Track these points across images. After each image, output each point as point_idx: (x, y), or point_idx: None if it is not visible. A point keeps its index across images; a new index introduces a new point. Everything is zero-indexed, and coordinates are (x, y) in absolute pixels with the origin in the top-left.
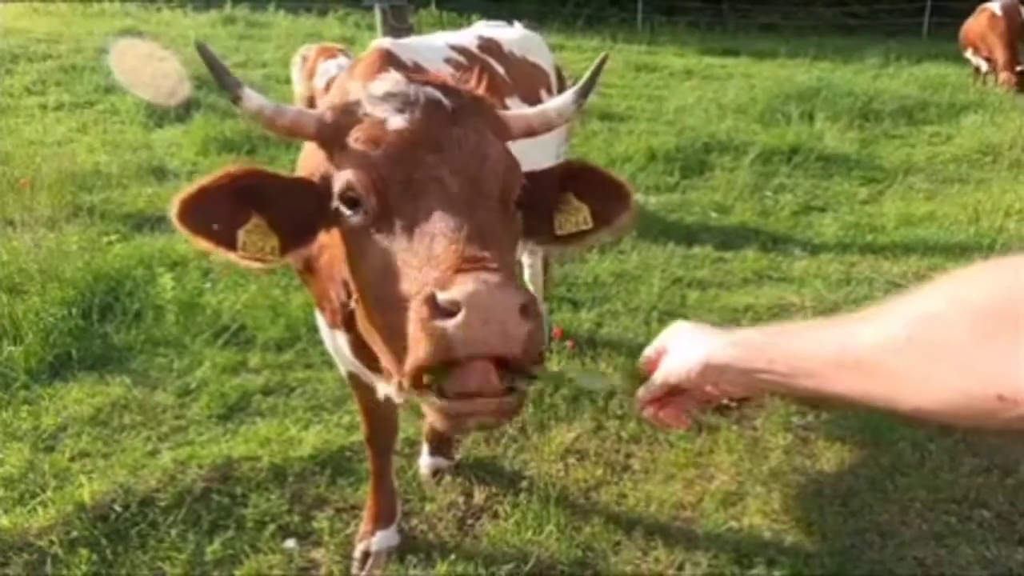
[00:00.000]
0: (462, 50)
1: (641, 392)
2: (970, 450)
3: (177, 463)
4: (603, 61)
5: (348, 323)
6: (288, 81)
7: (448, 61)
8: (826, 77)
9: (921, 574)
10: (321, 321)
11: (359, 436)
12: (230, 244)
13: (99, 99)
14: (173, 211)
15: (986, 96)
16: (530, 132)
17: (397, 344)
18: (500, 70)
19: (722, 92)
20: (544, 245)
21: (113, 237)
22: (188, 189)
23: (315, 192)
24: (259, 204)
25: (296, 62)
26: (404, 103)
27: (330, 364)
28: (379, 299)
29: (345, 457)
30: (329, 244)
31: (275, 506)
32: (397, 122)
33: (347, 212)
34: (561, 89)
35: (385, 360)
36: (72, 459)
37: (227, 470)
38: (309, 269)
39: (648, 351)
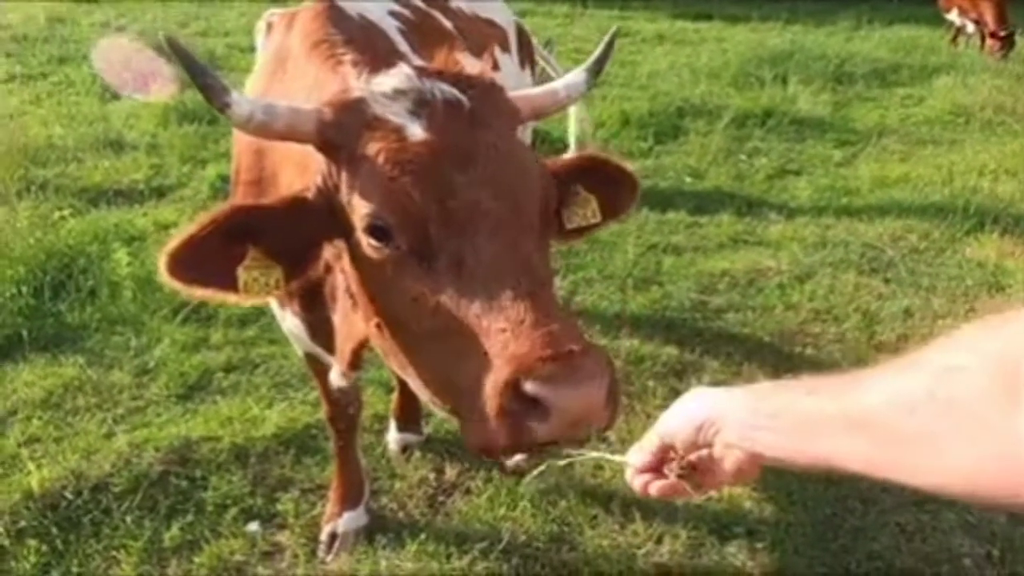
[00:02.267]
0: (407, 3)
1: (631, 457)
2: None
3: (133, 446)
4: (614, 36)
5: (304, 305)
6: (252, 50)
7: (393, 14)
8: (799, 40)
9: (903, 540)
10: (274, 304)
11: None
12: (231, 287)
13: (53, 70)
14: (162, 267)
15: (958, 58)
16: (538, 114)
17: (443, 388)
18: (447, 24)
19: (695, 56)
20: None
21: (67, 212)
22: (174, 241)
23: (314, 210)
24: (253, 236)
25: (260, 28)
26: (418, 104)
27: None
28: (420, 340)
29: (310, 435)
30: None
31: (237, 488)
32: (417, 132)
33: (374, 243)
34: (524, 49)
35: (418, 388)
36: (21, 445)
37: (186, 452)
38: None
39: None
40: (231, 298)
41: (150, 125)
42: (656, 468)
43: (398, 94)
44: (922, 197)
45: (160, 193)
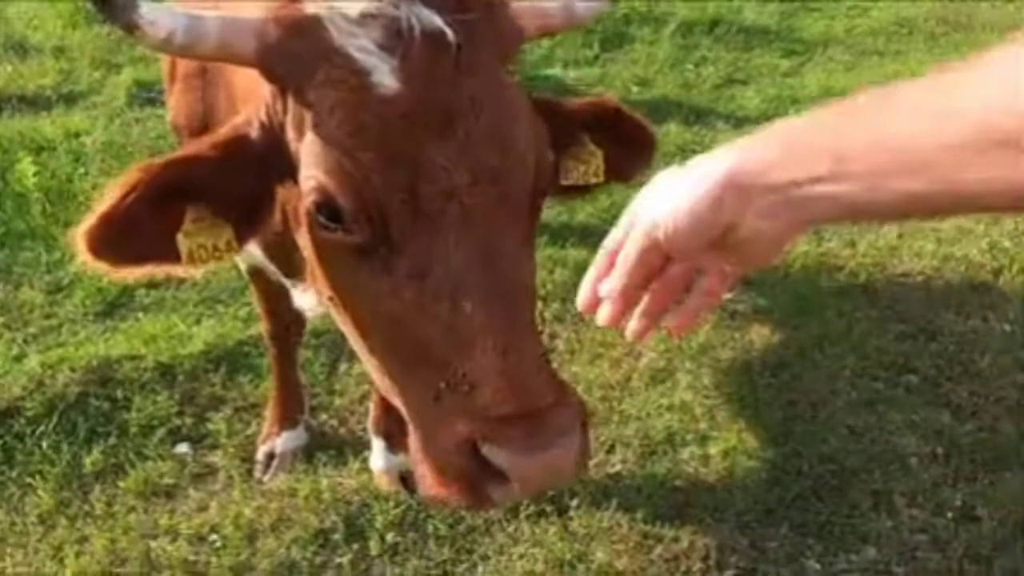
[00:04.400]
0: None
1: (582, 290)
2: (897, 316)
3: (46, 367)
4: None
5: None
6: None
7: None
8: None
9: (852, 441)
10: None
11: (258, 329)
12: (172, 258)
13: None
14: (81, 250)
15: None
16: (547, 30)
17: (397, 396)
18: None
19: None
20: None
21: None
22: (89, 220)
23: (259, 151)
24: (188, 194)
25: None
26: (391, 37)
27: None
28: (376, 337)
29: (243, 352)
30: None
31: (163, 409)
32: (386, 79)
33: (323, 221)
34: None
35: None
36: None
37: (106, 372)
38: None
39: (616, 233)
40: (176, 271)
41: (56, 27)
42: (637, 290)
43: (366, 20)
44: None
45: (69, 100)
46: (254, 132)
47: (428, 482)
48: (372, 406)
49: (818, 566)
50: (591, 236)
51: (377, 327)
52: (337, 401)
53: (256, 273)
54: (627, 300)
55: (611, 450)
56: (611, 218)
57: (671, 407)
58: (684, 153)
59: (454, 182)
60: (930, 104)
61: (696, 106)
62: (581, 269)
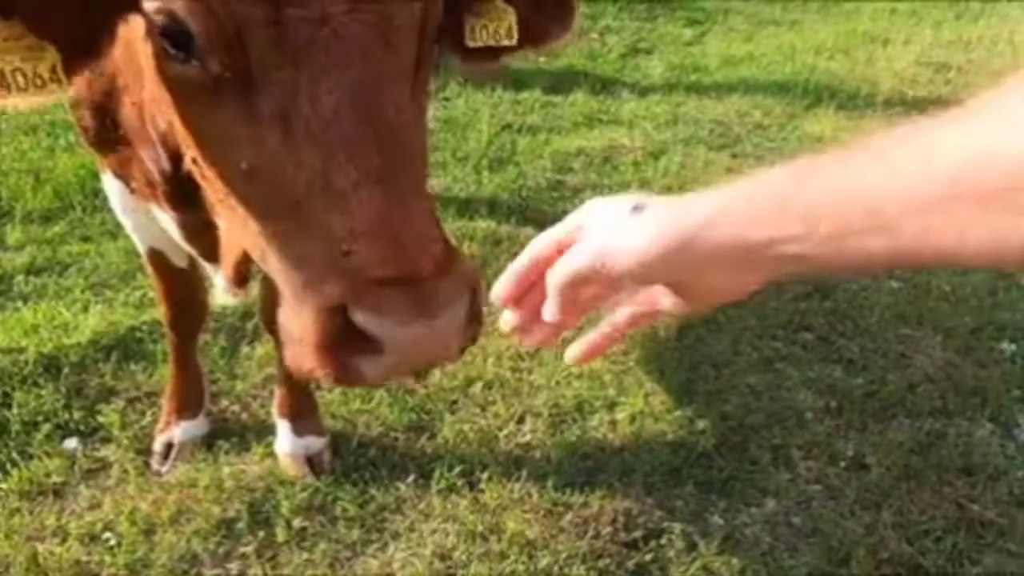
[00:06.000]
0: None
1: (501, 284)
2: (794, 277)
3: None
4: None
5: (176, 203)
6: None
7: None
8: None
9: (752, 400)
10: (115, 191)
11: (151, 314)
12: None
13: None
14: None
15: None
16: None
17: (264, 258)
18: None
19: None
20: (444, 57)
21: None
22: None
23: None
24: (5, 3)
25: None
26: None
27: (113, 234)
28: (239, 192)
29: (135, 339)
30: (132, 84)
31: (48, 403)
32: None
33: (171, 51)
34: None
35: (259, 258)
36: None
37: None
38: (101, 118)
39: (548, 239)
40: None
41: None
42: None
43: None
44: (766, 75)
45: None
46: None
47: (291, 354)
48: (276, 388)
49: (721, 521)
50: (500, 208)
51: (240, 180)
52: (239, 386)
53: (156, 257)
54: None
55: (521, 420)
56: (519, 189)
57: (580, 375)
58: (591, 123)
59: (326, 5)
60: (912, 159)
61: (602, 75)
62: (490, 242)
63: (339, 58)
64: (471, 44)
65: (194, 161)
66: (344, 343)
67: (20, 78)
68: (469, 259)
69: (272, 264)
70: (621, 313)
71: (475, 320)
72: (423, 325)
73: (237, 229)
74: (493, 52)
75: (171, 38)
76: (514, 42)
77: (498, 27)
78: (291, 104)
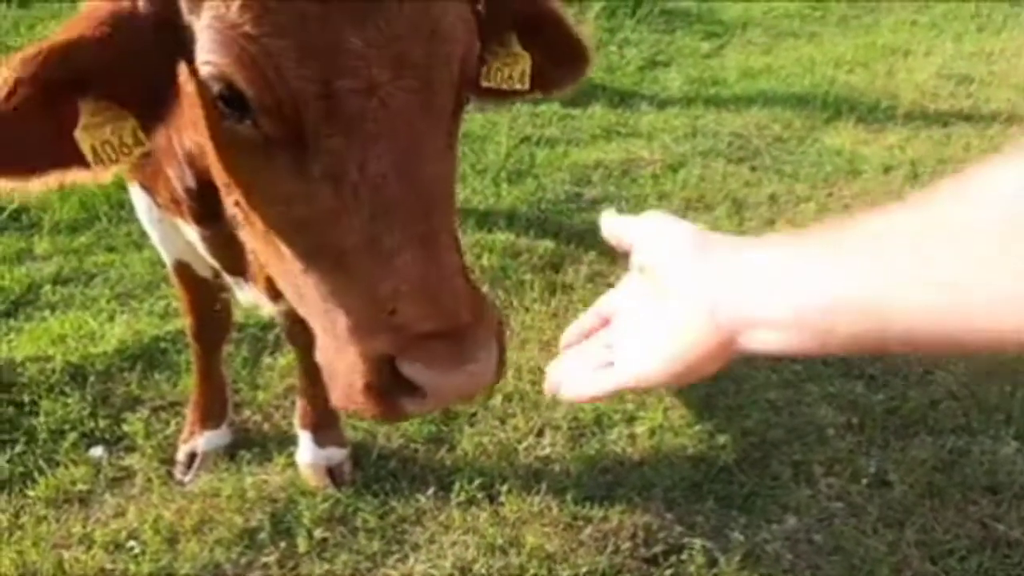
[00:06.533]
0: None
1: (570, 335)
2: None
3: None
4: None
5: (199, 217)
6: None
7: None
8: None
9: (772, 415)
10: (142, 203)
11: (176, 324)
12: (75, 160)
13: None
14: None
15: None
16: None
17: (307, 309)
18: None
19: None
20: None
21: None
22: None
23: (149, 27)
24: (80, 85)
25: None
26: None
27: (138, 245)
28: (286, 244)
29: (160, 349)
30: None
31: (74, 411)
32: None
33: (227, 111)
34: None
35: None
36: None
37: (10, 375)
38: None
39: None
40: (81, 176)
41: None
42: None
43: None
44: (784, 87)
45: None
46: (141, 5)
47: (339, 395)
48: (298, 399)
49: (742, 537)
50: (518, 221)
51: (288, 233)
52: (260, 396)
53: (182, 268)
54: None
55: (541, 434)
56: (537, 202)
57: None
58: (609, 135)
59: (374, 77)
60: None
61: (620, 88)
62: (508, 254)
63: (386, 127)
64: (484, 83)
65: (236, 204)
66: (391, 389)
67: (109, 150)
68: (490, 298)
69: (310, 308)
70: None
71: (503, 355)
72: (463, 373)
73: (274, 268)
74: (503, 93)
75: (228, 101)
76: (526, 87)
77: (512, 71)
78: (341, 169)
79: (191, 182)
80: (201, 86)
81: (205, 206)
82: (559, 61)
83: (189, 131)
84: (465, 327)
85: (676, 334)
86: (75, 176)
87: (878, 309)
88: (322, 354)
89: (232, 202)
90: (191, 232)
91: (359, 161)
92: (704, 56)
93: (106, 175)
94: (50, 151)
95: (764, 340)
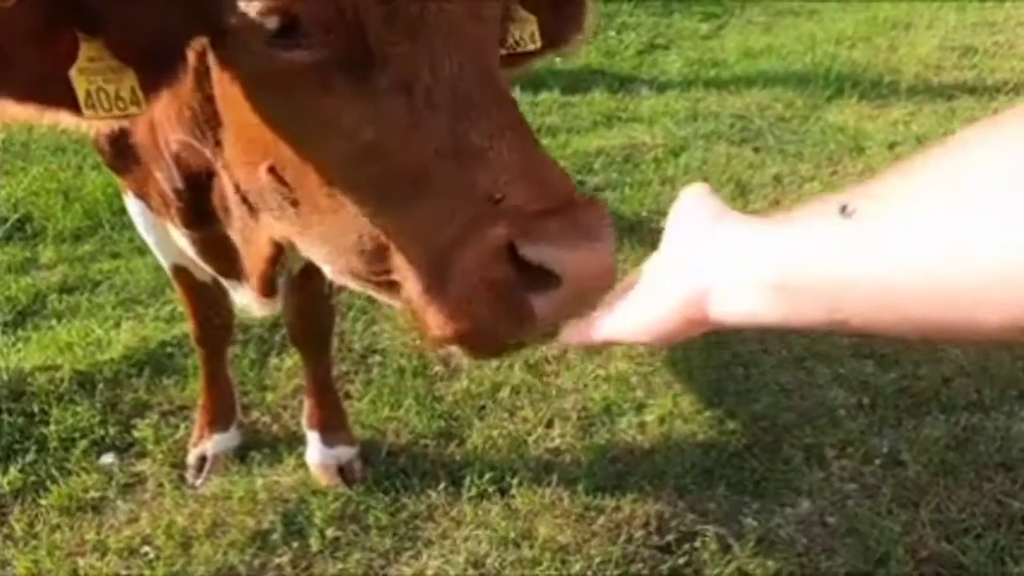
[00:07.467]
0: None
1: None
2: None
3: None
4: None
5: (188, 219)
6: None
7: None
8: None
9: (783, 398)
10: (137, 210)
11: (182, 328)
12: (63, 100)
13: None
14: None
15: None
16: None
17: (380, 258)
18: None
19: None
20: None
21: None
22: None
23: None
24: (83, 20)
25: None
26: None
27: (142, 251)
28: (345, 190)
29: (166, 354)
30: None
31: (84, 419)
32: None
33: (276, 45)
34: None
35: (332, 261)
36: None
37: (19, 385)
38: (115, 139)
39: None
40: (66, 119)
41: None
42: None
43: None
44: (786, 66)
45: None
46: None
47: (448, 321)
48: (305, 400)
49: (755, 522)
50: None
51: (353, 170)
52: (268, 397)
53: (181, 273)
54: None
55: (550, 425)
56: None
57: (607, 378)
58: (610, 121)
59: None
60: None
61: (619, 73)
62: None
63: (449, 28)
64: (501, 52)
65: (271, 170)
66: (518, 281)
67: (103, 98)
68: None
69: (394, 246)
70: None
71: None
72: (589, 248)
73: (330, 232)
74: (515, 59)
75: (277, 31)
76: (538, 46)
77: (522, 33)
78: (413, 74)
79: (179, 183)
80: (226, 61)
81: (193, 208)
82: (560, 13)
83: (177, 130)
84: (579, 205)
85: (651, 299)
86: (62, 118)
87: (828, 279)
88: (417, 290)
89: (266, 170)
90: (180, 236)
91: (430, 63)
92: (703, 37)
93: (92, 126)
94: (38, 79)
95: (729, 308)
